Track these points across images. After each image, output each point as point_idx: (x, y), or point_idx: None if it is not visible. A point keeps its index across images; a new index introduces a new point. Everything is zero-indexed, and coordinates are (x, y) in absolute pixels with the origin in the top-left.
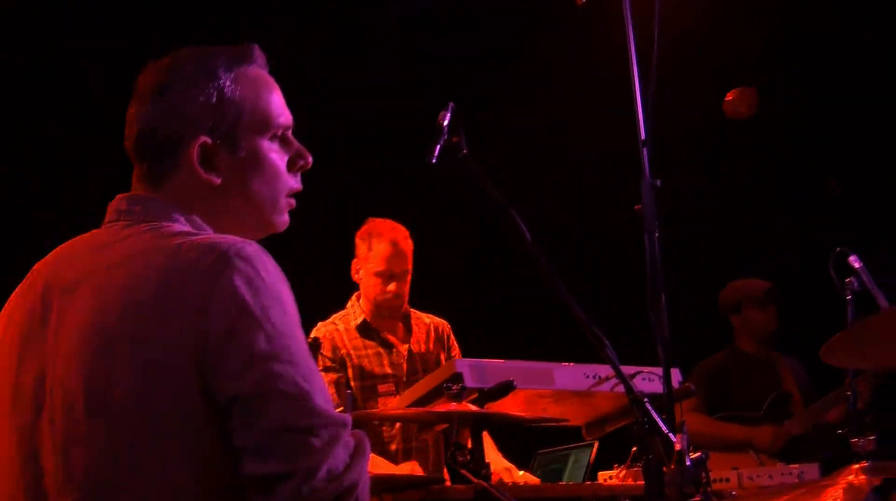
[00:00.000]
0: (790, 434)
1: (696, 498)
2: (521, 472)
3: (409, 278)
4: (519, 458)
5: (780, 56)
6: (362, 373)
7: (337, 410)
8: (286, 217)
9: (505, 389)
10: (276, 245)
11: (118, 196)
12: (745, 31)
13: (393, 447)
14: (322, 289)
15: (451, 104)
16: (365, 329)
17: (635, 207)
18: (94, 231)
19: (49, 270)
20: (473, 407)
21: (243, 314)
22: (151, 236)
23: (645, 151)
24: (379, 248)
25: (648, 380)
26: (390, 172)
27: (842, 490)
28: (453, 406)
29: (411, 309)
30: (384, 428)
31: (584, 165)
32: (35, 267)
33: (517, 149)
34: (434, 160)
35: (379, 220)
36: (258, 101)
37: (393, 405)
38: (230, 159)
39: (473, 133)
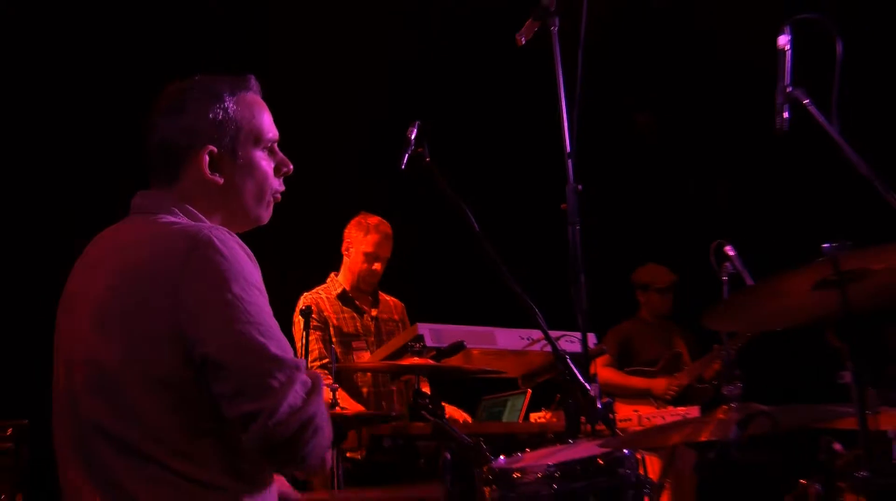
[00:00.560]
0: (681, 385)
1: (605, 431)
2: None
3: (386, 263)
4: (468, 403)
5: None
6: (340, 333)
7: (323, 361)
8: (270, 213)
9: (457, 347)
10: (278, 234)
11: (138, 193)
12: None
13: (364, 391)
14: (306, 267)
15: (417, 122)
16: (344, 298)
17: (561, 205)
18: (121, 222)
19: (87, 250)
20: (432, 362)
21: (210, 286)
22: (148, 226)
23: (570, 162)
24: (372, 235)
25: (570, 342)
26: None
27: (714, 424)
28: (416, 361)
29: (378, 289)
30: (357, 376)
31: (522, 173)
32: (81, 256)
33: (472, 159)
34: (403, 167)
35: (371, 215)
36: (253, 119)
37: (366, 359)
38: (231, 165)
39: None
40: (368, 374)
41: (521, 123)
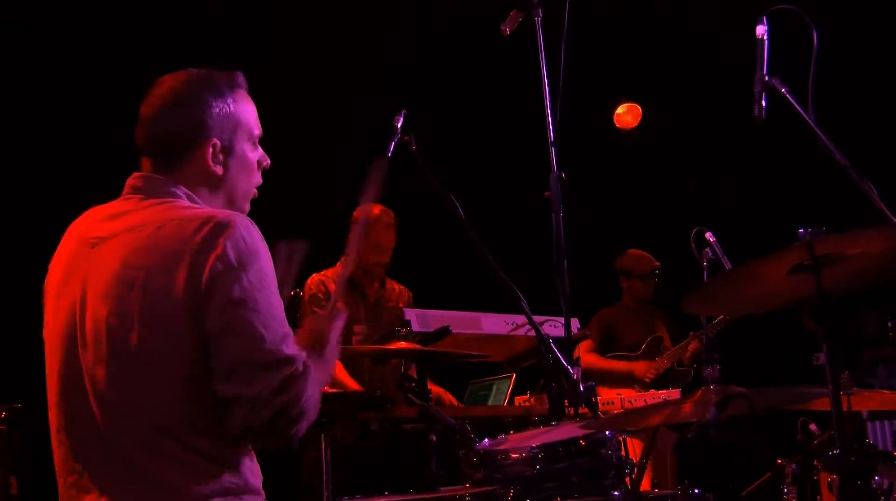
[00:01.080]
0: (660, 368)
1: (587, 413)
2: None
3: (391, 251)
4: (455, 386)
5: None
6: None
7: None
8: (248, 205)
9: (443, 332)
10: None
11: (134, 174)
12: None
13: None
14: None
15: (404, 111)
16: (349, 285)
17: (545, 193)
18: (115, 201)
19: (80, 229)
20: (418, 346)
21: (226, 269)
22: (164, 208)
23: (553, 150)
24: (378, 228)
25: (554, 327)
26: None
27: (693, 406)
28: (403, 345)
29: (386, 277)
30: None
31: (507, 161)
32: (69, 227)
33: (457, 147)
34: (389, 155)
35: (376, 205)
36: (248, 116)
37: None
38: (229, 157)
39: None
40: (365, 359)
41: (505, 111)
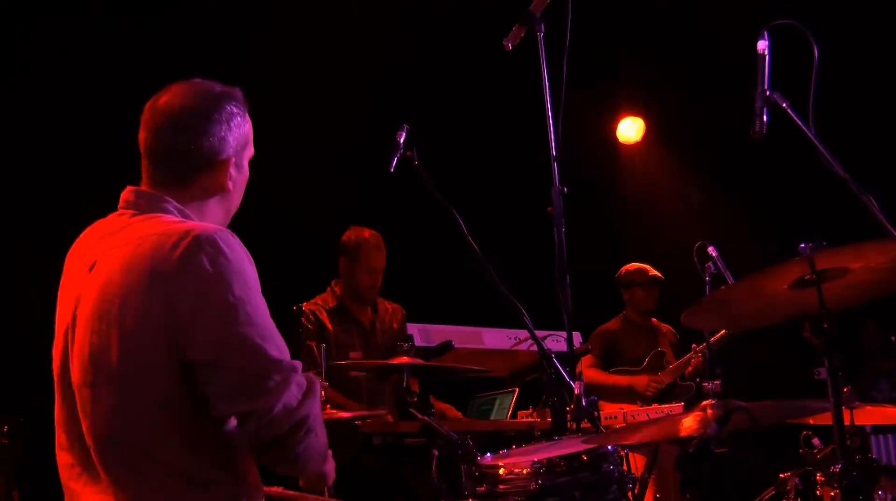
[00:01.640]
0: (662, 383)
1: (589, 428)
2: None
3: (382, 273)
4: (458, 401)
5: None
6: (338, 344)
7: (313, 370)
8: None
9: (446, 347)
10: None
11: (128, 188)
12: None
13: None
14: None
15: (406, 125)
16: (339, 311)
17: (547, 208)
18: (111, 216)
19: (78, 251)
20: (420, 361)
21: (210, 287)
22: (146, 225)
23: (555, 165)
24: (368, 251)
25: (556, 341)
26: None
27: (694, 420)
28: (405, 360)
29: (377, 298)
30: (351, 381)
31: (509, 176)
32: (72, 247)
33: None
34: (392, 170)
35: (362, 228)
36: (250, 133)
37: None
38: (236, 173)
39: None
40: (363, 382)
41: (507, 125)
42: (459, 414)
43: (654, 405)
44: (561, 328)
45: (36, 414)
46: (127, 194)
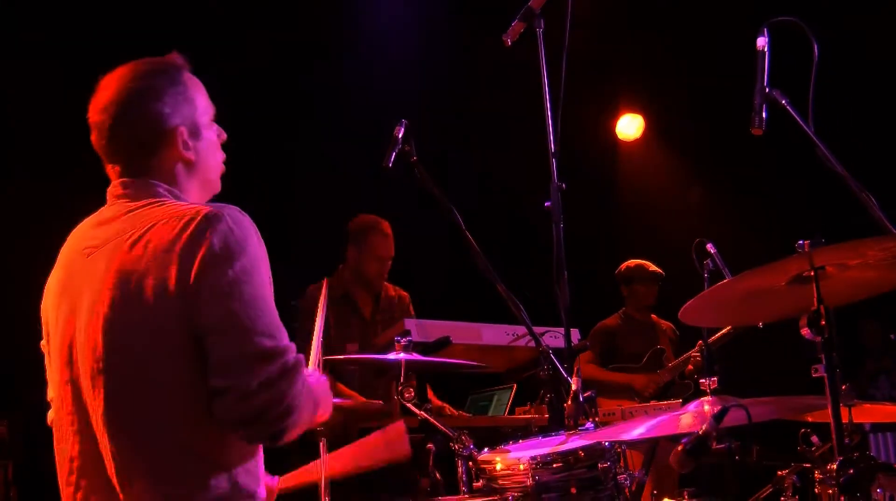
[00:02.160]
0: (660, 381)
1: (587, 424)
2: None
3: (391, 260)
4: (456, 397)
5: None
6: (338, 333)
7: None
8: (220, 183)
9: (443, 343)
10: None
11: (114, 183)
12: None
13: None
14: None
15: (404, 121)
16: (343, 300)
17: (545, 204)
18: (101, 209)
19: (74, 241)
20: (418, 356)
21: (213, 262)
22: (152, 209)
23: (554, 162)
24: (376, 239)
25: (554, 338)
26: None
27: (692, 416)
28: (403, 355)
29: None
30: (347, 374)
31: (508, 172)
32: (66, 242)
33: (461, 159)
34: (390, 165)
35: (368, 216)
36: (202, 96)
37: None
38: (196, 141)
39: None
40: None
41: (507, 121)
42: (456, 413)
43: (653, 402)
44: (559, 325)
45: (35, 412)
46: (115, 187)
